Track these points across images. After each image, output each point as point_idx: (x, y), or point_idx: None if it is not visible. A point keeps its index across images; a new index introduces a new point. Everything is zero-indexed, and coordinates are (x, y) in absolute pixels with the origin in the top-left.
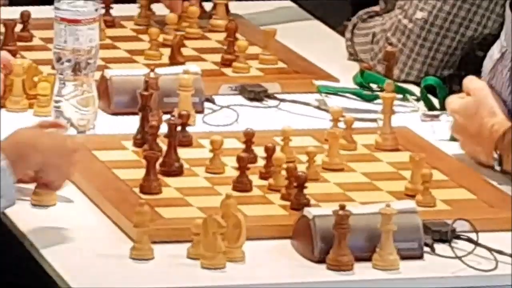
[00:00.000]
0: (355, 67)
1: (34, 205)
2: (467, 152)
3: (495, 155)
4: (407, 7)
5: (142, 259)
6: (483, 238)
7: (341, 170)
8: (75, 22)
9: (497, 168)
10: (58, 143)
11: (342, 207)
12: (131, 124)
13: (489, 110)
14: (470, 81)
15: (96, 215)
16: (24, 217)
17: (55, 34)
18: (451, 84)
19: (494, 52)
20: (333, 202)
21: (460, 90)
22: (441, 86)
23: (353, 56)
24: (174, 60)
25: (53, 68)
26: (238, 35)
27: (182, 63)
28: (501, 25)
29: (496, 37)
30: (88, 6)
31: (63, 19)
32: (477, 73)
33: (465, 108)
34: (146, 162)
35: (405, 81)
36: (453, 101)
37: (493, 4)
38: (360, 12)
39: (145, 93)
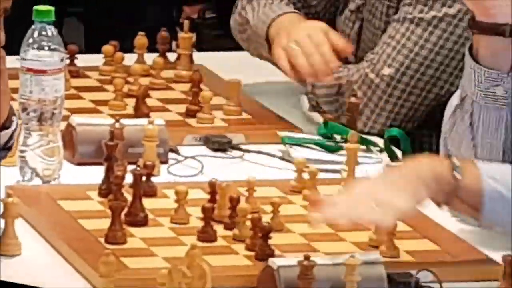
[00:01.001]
0: (317, 118)
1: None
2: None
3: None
4: (375, 62)
5: None
6: None
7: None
8: (41, 72)
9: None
10: None
11: (307, 258)
12: (95, 174)
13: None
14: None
15: (61, 265)
16: None
17: (20, 84)
18: (414, 136)
19: (454, 98)
20: (298, 252)
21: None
22: (404, 137)
23: (316, 108)
24: (139, 111)
25: (18, 118)
26: (202, 86)
27: (147, 114)
28: None
29: None
30: (54, 56)
31: (29, 70)
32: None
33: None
34: (111, 212)
35: (368, 133)
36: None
37: (462, 64)
38: None
39: (111, 143)
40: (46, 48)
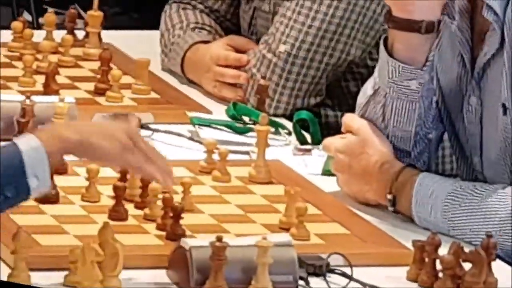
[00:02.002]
0: (225, 100)
1: None
2: (349, 191)
3: (389, 196)
4: (270, 42)
5: None
6: (357, 272)
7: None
8: None
9: (391, 208)
10: (104, 126)
11: (219, 239)
12: None
13: (376, 148)
14: (351, 120)
15: None
16: None
17: None
18: (320, 112)
19: (368, 88)
20: (208, 233)
21: (330, 117)
22: (313, 120)
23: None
24: (48, 88)
25: None
26: (111, 64)
27: (57, 91)
28: (364, 52)
29: (358, 65)
30: None
31: None
32: (344, 100)
33: (350, 148)
34: None
35: (275, 115)
36: (334, 141)
37: (355, 31)
38: None
39: (22, 120)
40: None
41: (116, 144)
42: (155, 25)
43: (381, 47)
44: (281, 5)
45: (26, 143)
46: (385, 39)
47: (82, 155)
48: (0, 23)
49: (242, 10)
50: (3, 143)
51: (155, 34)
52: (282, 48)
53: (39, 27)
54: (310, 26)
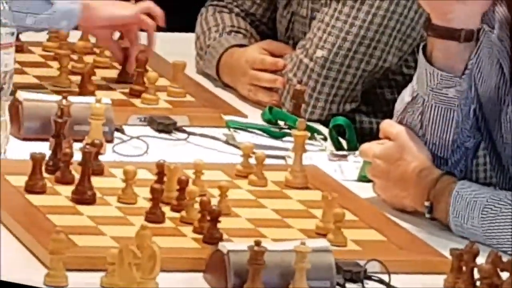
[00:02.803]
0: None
1: None
2: (386, 197)
3: (426, 203)
4: (308, 46)
5: (56, 286)
6: (394, 280)
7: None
8: None
9: (427, 215)
10: None
11: (258, 243)
12: (40, 149)
13: (414, 154)
14: (389, 126)
15: (10, 240)
16: None
17: None
18: (355, 118)
19: (406, 95)
20: (245, 237)
21: (364, 123)
22: (349, 126)
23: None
24: (84, 89)
25: None
26: (147, 67)
27: (92, 92)
28: (400, 59)
29: (395, 73)
30: (5, 30)
31: None
32: (379, 107)
33: (388, 153)
34: (32, 163)
35: (310, 120)
36: (372, 147)
37: (392, 39)
38: None
39: (60, 120)
40: None
41: None
42: (187, 28)
43: (420, 54)
44: (319, 10)
45: None
46: (424, 47)
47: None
48: None
49: (279, 14)
50: None
51: (188, 36)
52: (319, 53)
53: None
54: (348, 32)
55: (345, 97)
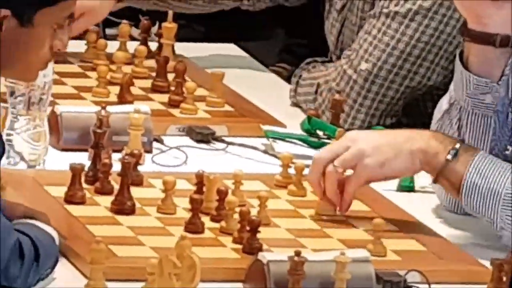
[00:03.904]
0: (300, 113)
1: None
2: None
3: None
4: (353, 58)
5: None
6: None
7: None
8: None
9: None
10: None
11: (298, 253)
12: (80, 160)
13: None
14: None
15: None
16: None
17: None
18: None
19: (443, 102)
20: (285, 247)
21: None
22: None
23: (297, 105)
24: (122, 99)
25: (4, 101)
26: (185, 77)
27: (131, 102)
28: (445, 77)
29: (439, 89)
30: None
31: None
32: (420, 120)
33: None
34: (72, 174)
35: (348, 130)
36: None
37: (438, 58)
38: (303, 64)
39: (99, 130)
40: None
41: None
42: (220, 38)
43: (457, 60)
44: (367, 20)
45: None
46: (461, 53)
47: None
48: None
49: (332, 17)
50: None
51: (226, 46)
52: (363, 66)
53: (106, 37)
54: (394, 48)
55: (386, 111)
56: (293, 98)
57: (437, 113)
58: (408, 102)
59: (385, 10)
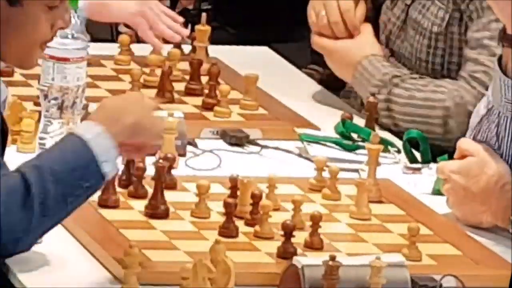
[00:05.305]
0: (333, 116)
1: None
2: (461, 213)
3: None
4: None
5: None
6: None
7: (368, 219)
8: (64, 60)
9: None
10: (143, 103)
11: (333, 258)
12: None
13: (496, 169)
14: (467, 143)
15: (83, 255)
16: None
17: (42, 71)
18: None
19: (481, 107)
20: (319, 251)
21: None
22: (423, 139)
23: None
24: (163, 87)
25: (35, 104)
26: (219, 80)
27: (170, 91)
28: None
29: None
30: (77, 44)
31: (51, 57)
32: None
33: (467, 168)
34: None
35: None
36: (449, 163)
37: None
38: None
39: None
40: (70, 36)
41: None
42: (253, 40)
43: (496, 65)
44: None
45: (88, 131)
46: (500, 58)
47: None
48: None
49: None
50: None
51: (259, 49)
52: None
53: (138, 41)
54: None
55: None
56: (385, 118)
57: (475, 118)
58: None
59: None
